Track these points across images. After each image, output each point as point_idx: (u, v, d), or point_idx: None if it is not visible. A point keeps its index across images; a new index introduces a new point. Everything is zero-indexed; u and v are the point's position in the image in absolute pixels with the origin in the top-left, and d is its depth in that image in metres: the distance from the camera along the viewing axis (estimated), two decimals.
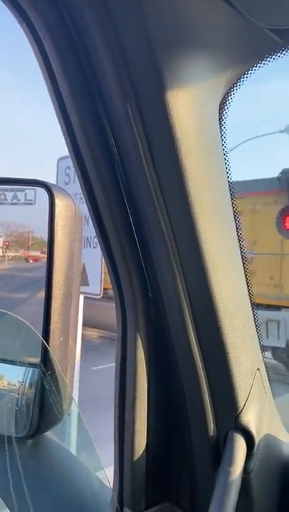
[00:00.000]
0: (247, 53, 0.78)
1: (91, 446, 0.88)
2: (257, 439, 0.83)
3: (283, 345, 7.64)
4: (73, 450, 1.10)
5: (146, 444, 0.84)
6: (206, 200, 0.77)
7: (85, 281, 3.86)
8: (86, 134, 0.75)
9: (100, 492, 0.93)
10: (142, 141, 0.72)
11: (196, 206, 0.75)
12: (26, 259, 1.99)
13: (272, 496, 0.89)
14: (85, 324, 4.79)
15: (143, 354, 0.83)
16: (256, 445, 0.83)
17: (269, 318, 7.80)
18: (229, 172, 0.87)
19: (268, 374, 0.96)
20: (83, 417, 0.85)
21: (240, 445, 0.81)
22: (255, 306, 0.95)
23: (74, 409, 0.87)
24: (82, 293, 3.76)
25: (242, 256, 0.88)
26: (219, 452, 0.82)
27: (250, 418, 0.83)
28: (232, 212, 0.86)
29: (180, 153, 0.72)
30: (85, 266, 3.94)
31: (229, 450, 0.80)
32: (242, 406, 0.82)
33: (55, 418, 0.84)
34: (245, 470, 0.81)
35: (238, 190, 0.87)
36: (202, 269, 0.77)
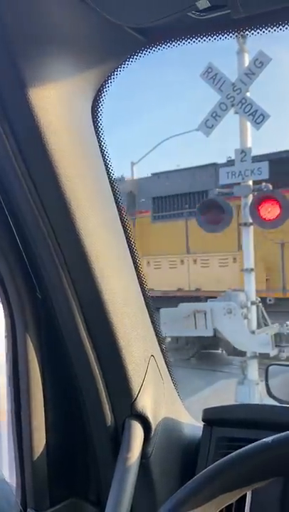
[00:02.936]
0: (112, 51, 0.80)
1: None
2: (154, 424, 0.86)
3: (211, 334, 7.85)
4: None
5: (46, 441, 0.84)
6: (83, 196, 0.78)
7: None
8: None
9: (5, 496, 0.92)
10: (9, 141, 0.72)
11: (72, 202, 0.76)
12: None
13: (172, 475, 0.92)
14: None
15: (34, 352, 0.83)
16: (153, 429, 0.85)
17: (196, 309, 7.99)
18: (110, 167, 0.89)
19: (165, 359, 0.99)
20: None
21: (137, 431, 0.83)
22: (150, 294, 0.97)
23: None
24: None
25: (129, 247, 0.91)
26: (118, 441, 0.84)
27: (145, 404, 0.85)
28: (115, 206, 0.88)
29: (49, 150, 0.72)
30: None
31: (126, 437, 0.82)
32: (137, 393, 0.84)
33: None
34: (144, 454, 0.84)
35: None
36: (85, 263, 0.79)
